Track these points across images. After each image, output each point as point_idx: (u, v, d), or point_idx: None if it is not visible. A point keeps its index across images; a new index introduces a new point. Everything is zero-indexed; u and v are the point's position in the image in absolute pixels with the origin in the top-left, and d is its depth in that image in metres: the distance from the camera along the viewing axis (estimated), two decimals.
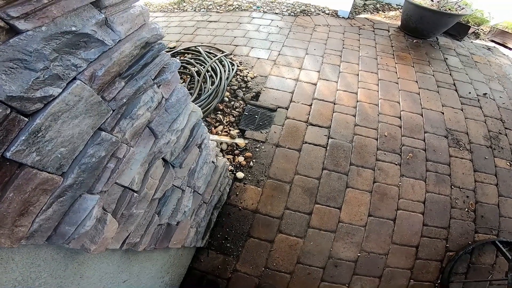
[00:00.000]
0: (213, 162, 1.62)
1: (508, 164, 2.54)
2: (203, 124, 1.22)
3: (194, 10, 4.45)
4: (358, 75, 3.08)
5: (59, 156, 0.57)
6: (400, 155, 2.44)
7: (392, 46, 3.68)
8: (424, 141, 2.56)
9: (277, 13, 4.08)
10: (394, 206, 2.20)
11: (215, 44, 3.49)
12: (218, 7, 4.40)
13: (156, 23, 0.72)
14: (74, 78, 0.56)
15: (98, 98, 0.60)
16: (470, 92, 3.17)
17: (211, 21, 4.01)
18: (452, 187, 2.33)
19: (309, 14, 4.16)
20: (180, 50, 3.35)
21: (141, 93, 0.74)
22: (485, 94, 3.19)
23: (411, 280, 2.02)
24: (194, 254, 2.05)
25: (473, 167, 2.47)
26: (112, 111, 0.66)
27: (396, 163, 2.39)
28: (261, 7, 4.27)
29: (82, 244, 0.76)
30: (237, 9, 4.22)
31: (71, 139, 0.58)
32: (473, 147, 2.60)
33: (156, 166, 0.99)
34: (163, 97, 0.84)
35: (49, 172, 0.57)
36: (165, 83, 0.85)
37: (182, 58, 3.24)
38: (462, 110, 2.94)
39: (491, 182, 2.41)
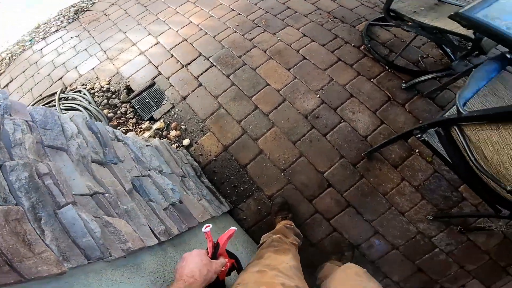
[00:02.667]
0: (148, 145, 1.64)
1: None
2: (96, 121, 1.21)
3: None
4: (178, 12, 3.22)
5: None
6: (260, 26, 2.83)
7: None
8: (260, 8, 3.01)
9: (58, 30, 3.62)
10: (293, 52, 2.59)
11: (41, 95, 2.97)
12: None
13: None
14: None
15: None
16: None
17: (5, 85, 3.28)
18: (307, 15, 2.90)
19: (85, 9, 3.82)
20: None
21: None
22: None
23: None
24: (236, 219, 2.08)
25: None
26: None
27: (263, 31, 2.78)
28: (33, 38, 3.68)
29: (121, 250, 0.81)
30: (14, 56, 3.54)
31: None
32: None
33: (97, 169, 1.02)
34: (26, 120, 0.85)
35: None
36: (14, 111, 0.85)
37: None
38: None
39: None
